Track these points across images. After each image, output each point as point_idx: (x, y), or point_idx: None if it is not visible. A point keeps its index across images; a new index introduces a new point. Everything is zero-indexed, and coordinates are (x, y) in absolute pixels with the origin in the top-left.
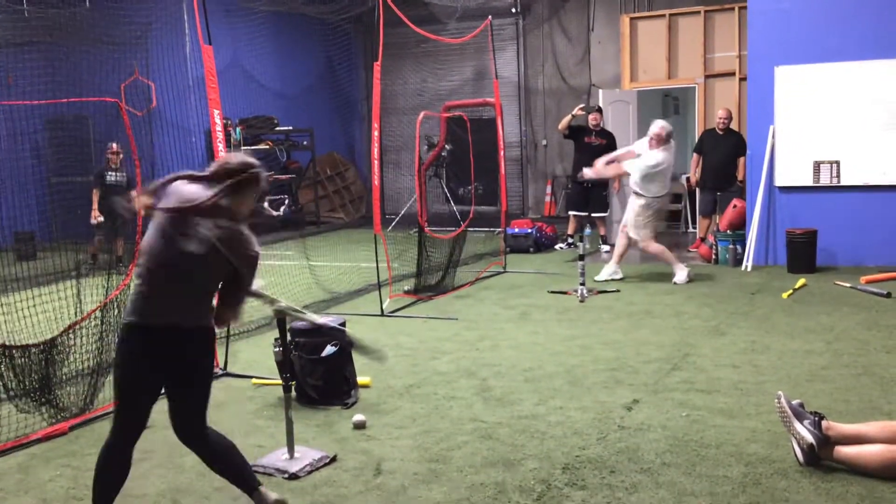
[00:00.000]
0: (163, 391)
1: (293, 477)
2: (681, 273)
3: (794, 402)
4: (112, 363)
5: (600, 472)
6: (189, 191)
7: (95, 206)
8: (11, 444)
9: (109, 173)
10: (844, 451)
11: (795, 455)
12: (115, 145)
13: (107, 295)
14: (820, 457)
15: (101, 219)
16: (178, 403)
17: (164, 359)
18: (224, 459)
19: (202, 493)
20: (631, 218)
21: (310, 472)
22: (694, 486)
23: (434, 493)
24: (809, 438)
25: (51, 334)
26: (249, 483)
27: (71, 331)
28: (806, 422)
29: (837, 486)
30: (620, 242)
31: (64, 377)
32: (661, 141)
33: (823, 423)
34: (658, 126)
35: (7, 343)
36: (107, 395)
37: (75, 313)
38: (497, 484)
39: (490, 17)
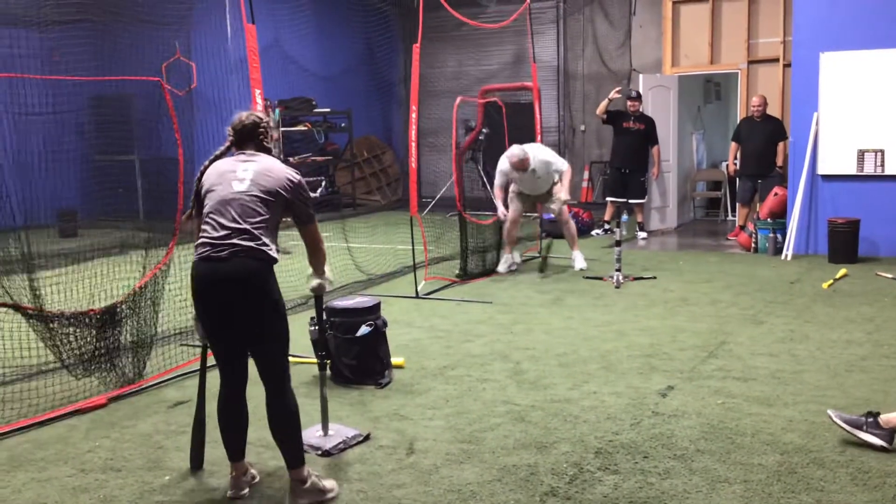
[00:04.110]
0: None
1: (326, 454)
2: (503, 263)
3: (844, 414)
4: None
5: (633, 458)
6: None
7: None
8: (52, 413)
9: None
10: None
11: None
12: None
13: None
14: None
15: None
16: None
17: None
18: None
19: None
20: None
21: (343, 450)
22: (728, 474)
23: (466, 473)
24: (879, 442)
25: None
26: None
27: (125, 301)
28: (866, 428)
29: (875, 477)
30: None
31: (118, 346)
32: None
33: (881, 418)
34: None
35: (64, 311)
36: (151, 369)
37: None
38: (529, 466)
39: (529, 0)
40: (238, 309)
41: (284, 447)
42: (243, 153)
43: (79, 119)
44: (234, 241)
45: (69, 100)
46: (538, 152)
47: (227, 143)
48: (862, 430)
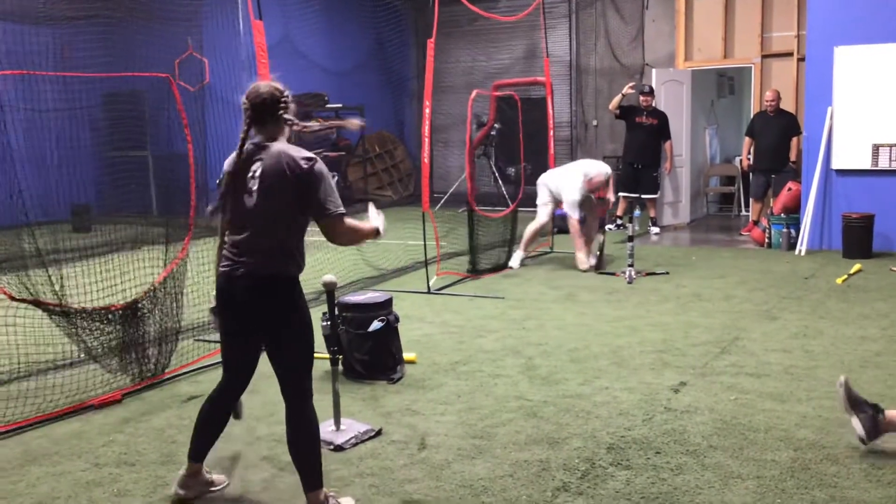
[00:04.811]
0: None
1: (339, 449)
2: (515, 259)
3: (853, 390)
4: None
5: (645, 453)
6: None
7: None
8: (67, 409)
9: None
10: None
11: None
12: None
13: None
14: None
15: None
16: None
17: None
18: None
19: (248, 462)
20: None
21: (355, 445)
22: (741, 470)
23: (478, 468)
24: (860, 433)
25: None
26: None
27: (146, 297)
28: (859, 413)
29: (889, 474)
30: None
31: (143, 340)
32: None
33: (885, 414)
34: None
35: (87, 307)
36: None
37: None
38: (541, 461)
39: None
40: (254, 326)
41: (300, 469)
42: (254, 145)
43: (92, 115)
44: (252, 259)
45: (82, 96)
46: (600, 168)
47: (245, 126)
48: (855, 413)
